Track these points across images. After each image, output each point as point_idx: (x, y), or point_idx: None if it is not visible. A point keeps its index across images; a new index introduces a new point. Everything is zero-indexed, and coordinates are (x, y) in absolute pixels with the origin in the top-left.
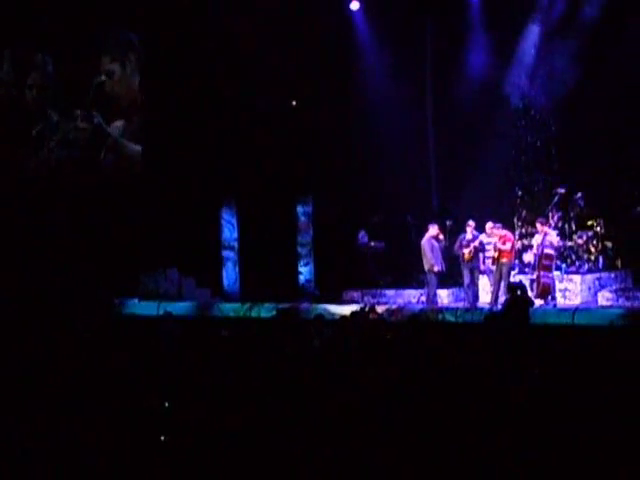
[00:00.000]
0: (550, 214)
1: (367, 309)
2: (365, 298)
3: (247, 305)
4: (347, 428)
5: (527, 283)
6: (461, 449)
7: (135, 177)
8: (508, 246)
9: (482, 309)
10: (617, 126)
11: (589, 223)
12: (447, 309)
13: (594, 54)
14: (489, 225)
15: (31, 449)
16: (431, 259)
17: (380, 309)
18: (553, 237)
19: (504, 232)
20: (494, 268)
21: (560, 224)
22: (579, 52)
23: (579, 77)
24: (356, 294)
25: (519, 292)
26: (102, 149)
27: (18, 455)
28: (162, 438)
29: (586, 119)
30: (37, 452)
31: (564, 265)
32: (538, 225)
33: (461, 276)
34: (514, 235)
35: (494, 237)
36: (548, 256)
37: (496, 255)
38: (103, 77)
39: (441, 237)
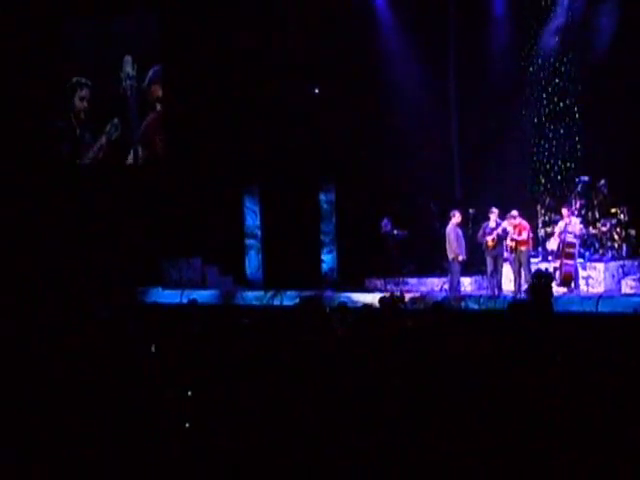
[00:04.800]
0: (573, 202)
1: (397, 297)
2: (388, 286)
3: (270, 293)
4: (370, 417)
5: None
6: (484, 437)
7: (158, 166)
8: (524, 235)
9: (505, 297)
10: None
11: (613, 211)
12: (470, 297)
13: (621, 38)
14: (512, 213)
15: (51, 436)
16: (456, 248)
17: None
18: (576, 225)
19: (518, 221)
20: (513, 257)
21: (583, 212)
22: (605, 36)
23: (604, 61)
24: (379, 282)
25: (543, 280)
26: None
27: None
28: (186, 425)
29: (610, 106)
30: (57, 439)
31: (587, 253)
32: (564, 211)
33: (484, 264)
34: (532, 224)
35: (510, 226)
36: (570, 244)
37: (513, 245)
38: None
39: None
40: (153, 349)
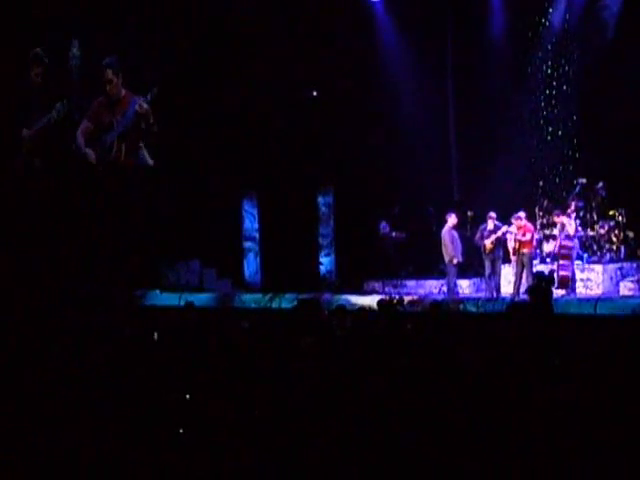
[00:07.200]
0: (571, 204)
1: (396, 300)
2: (386, 288)
3: (268, 296)
4: (369, 419)
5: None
6: (483, 439)
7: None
8: (528, 237)
9: (504, 299)
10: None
11: (611, 213)
12: (468, 299)
13: (621, 38)
14: (519, 214)
15: (45, 444)
16: (452, 251)
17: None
18: (570, 227)
19: (523, 223)
20: (514, 259)
21: (581, 214)
22: (604, 36)
23: (603, 62)
24: (377, 284)
25: (543, 283)
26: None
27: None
28: (181, 431)
29: (609, 108)
30: (51, 447)
31: (586, 255)
32: (555, 217)
33: (482, 266)
34: (535, 225)
35: (515, 227)
36: (565, 246)
37: (516, 246)
38: None
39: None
40: (155, 336)
